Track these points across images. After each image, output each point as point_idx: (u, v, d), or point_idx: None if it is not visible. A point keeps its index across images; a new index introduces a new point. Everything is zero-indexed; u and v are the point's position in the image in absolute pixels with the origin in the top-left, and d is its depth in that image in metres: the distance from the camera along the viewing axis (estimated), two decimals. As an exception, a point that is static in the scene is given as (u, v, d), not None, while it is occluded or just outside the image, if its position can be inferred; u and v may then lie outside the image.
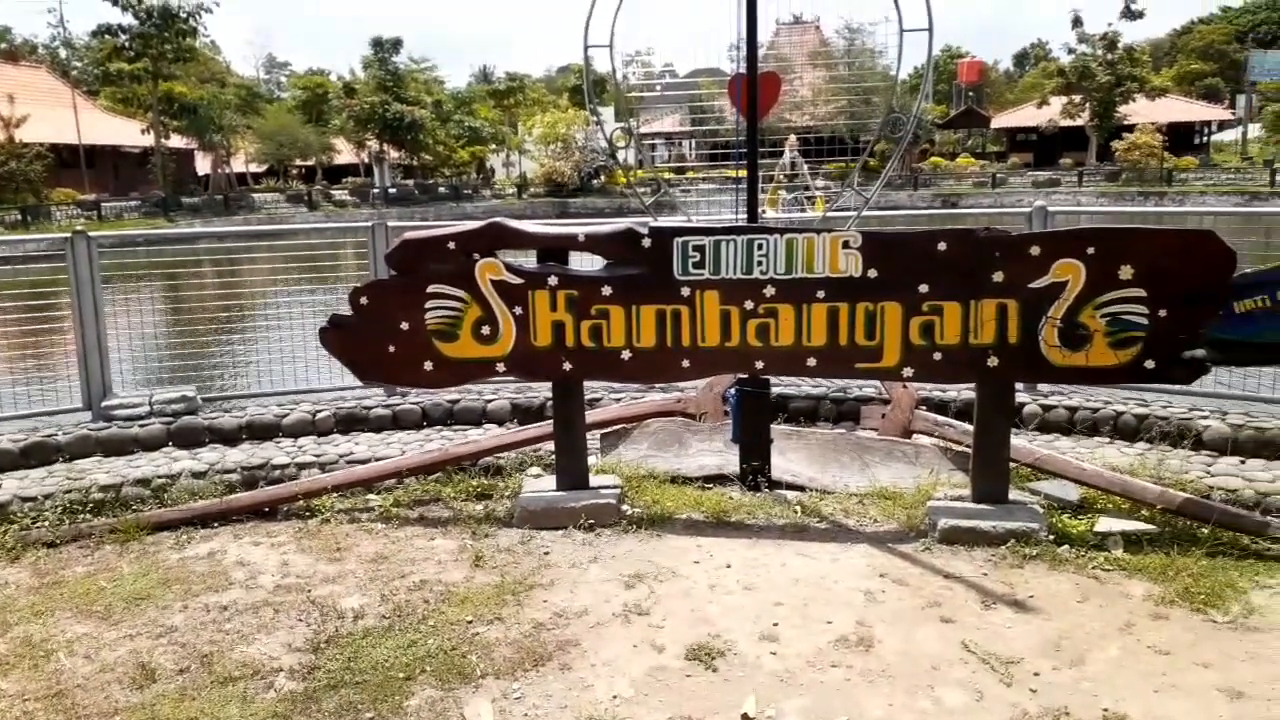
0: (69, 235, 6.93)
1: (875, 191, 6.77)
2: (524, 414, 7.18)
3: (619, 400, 7.03)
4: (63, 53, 71.57)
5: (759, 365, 5.01)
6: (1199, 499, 5.05)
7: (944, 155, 58.27)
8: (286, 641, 4.04)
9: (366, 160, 59.84)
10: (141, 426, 6.81)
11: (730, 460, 5.81)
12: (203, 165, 55.48)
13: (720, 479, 5.77)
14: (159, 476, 6.07)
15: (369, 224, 7.53)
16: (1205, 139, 60.31)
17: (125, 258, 8.86)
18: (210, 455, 6.53)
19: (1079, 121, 54.28)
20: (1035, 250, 4.65)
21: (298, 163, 60.79)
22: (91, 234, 7.04)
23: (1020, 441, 5.72)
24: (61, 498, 5.76)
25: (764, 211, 6.64)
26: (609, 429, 6.33)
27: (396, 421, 7.19)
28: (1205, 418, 6.30)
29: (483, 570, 4.67)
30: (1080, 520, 5.00)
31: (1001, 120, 63.52)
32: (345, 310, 5.17)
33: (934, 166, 54.66)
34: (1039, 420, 6.76)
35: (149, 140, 48.97)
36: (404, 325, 5.06)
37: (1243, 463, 5.90)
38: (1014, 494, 5.03)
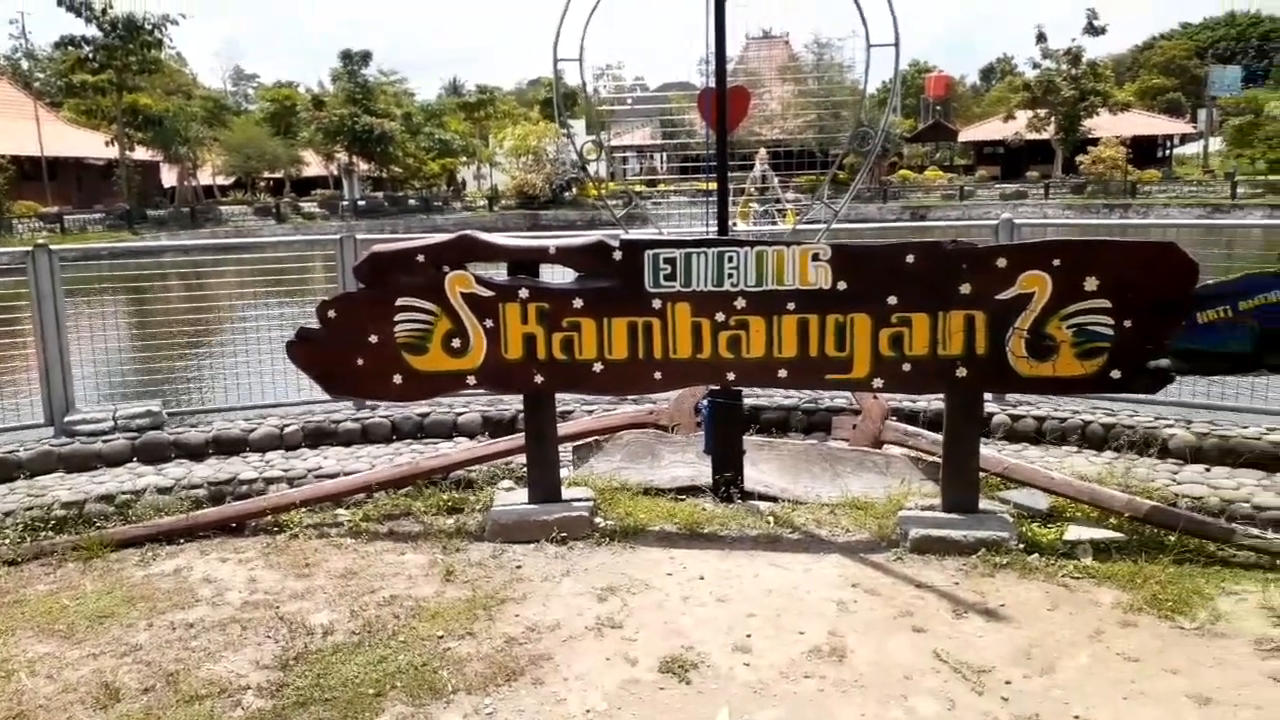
0: (30, 249, 6.83)
1: (844, 204, 6.83)
2: (495, 427, 7.16)
3: (591, 413, 7.02)
4: (25, 64, 70.73)
5: (730, 377, 5.03)
6: (1166, 507, 5.11)
7: (912, 168, 58.93)
8: (254, 659, 3.99)
9: (335, 173, 59.52)
10: (105, 442, 6.71)
11: (703, 472, 5.82)
12: (168, 178, 54.88)
13: (693, 490, 5.78)
14: (123, 493, 5.98)
15: (337, 236, 7.50)
16: (1168, 152, 61.43)
17: (89, 271, 8.74)
18: (176, 471, 6.45)
19: (1045, 135, 55.10)
20: (1002, 262, 4.70)
21: (265, 175, 60.35)
22: (54, 247, 6.95)
23: (989, 451, 5.78)
24: (23, 515, 5.66)
25: (734, 224, 6.68)
26: (581, 441, 6.32)
27: (365, 435, 7.14)
28: (1171, 426, 6.40)
29: (454, 585, 4.64)
30: (1049, 529, 5.05)
31: (969, 134, 64.36)
32: (313, 323, 5.14)
33: (902, 179, 55.24)
34: (1007, 430, 6.84)
35: (113, 152, 48.41)
36: (373, 338, 5.03)
37: (1208, 470, 6.00)
38: (984, 503, 5.06)
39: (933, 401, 6.66)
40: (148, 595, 4.65)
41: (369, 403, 7.27)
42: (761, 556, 4.88)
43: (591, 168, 6.92)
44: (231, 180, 60.19)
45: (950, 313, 4.74)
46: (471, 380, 5.09)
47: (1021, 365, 4.75)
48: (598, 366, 4.99)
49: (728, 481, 5.67)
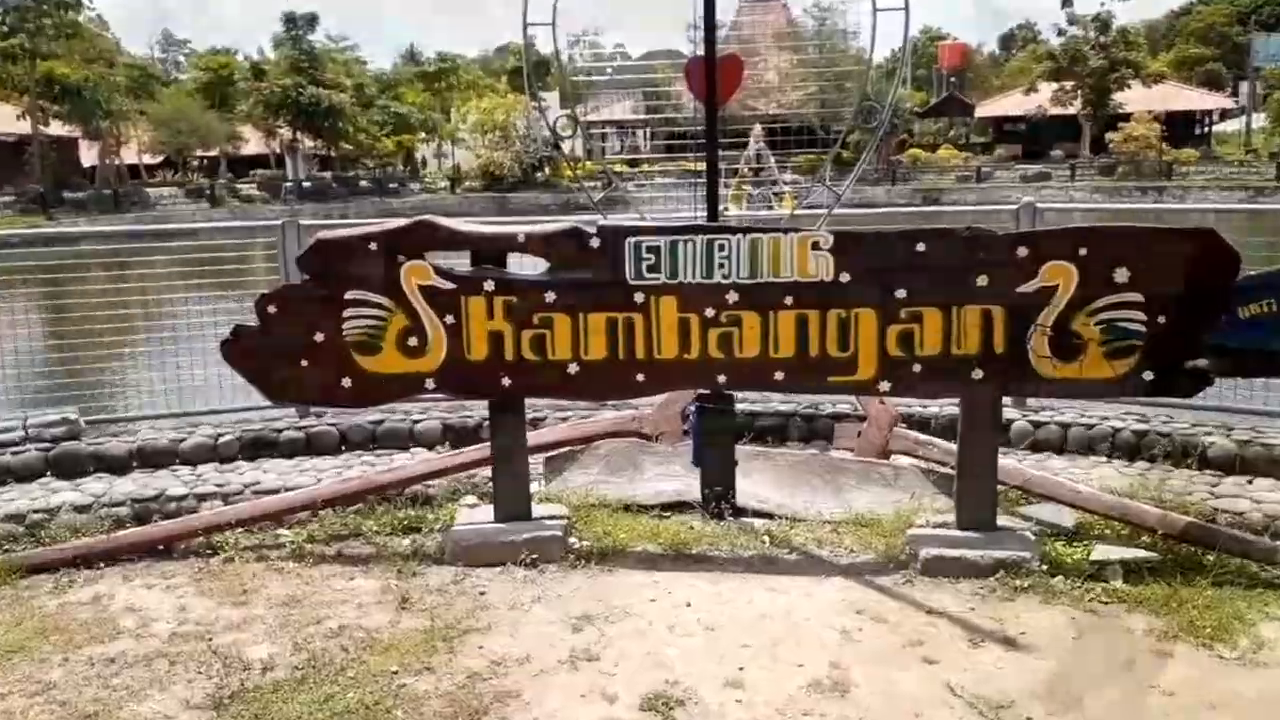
0: (-70, 235, 6.77)
1: (848, 187, 6.86)
2: (457, 436, 7.14)
3: (565, 420, 7.02)
4: (-76, 27, 70.03)
5: (721, 379, 5.03)
6: (1203, 523, 5.16)
7: (924, 147, 59.23)
8: (184, 697, 3.96)
9: (278, 150, 59.23)
10: (14, 454, 6.65)
11: (690, 485, 5.83)
12: (89, 156, 54.43)
13: (679, 506, 5.78)
14: (35, 511, 5.93)
15: (279, 222, 7.46)
16: (1206, 129, 62.00)
17: (-4, 261, 8.66)
18: (95, 486, 6.40)
19: (1071, 110, 55.50)
20: (1023, 251, 4.73)
21: (199, 153, 59.97)
22: (-44, 233, 6.88)
23: (1009, 462, 5.81)
24: (-80, 537, 5.60)
25: (726, 209, 6.69)
26: (554, 452, 6.31)
27: (310, 446, 7.11)
28: (1209, 434, 6.45)
29: (410, 613, 4.63)
30: (1075, 548, 5.09)
31: (986, 108, 64.75)
32: (251, 320, 5.11)
33: (913, 159, 55.52)
34: (1029, 438, 6.88)
35: (25, 127, 47.96)
36: (318, 336, 5.01)
37: (1250, 483, 6.04)
38: (1003, 520, 5.10)
39: (945, 407, 6.69)
40: (63, 627, 4.61)
41: (314, 409, 7.24)
42: (756, 580, 4.89)
43: (566, 145, 6.91)
44: (160, 159, 59.77)
45: (965, 307, 4.77)
46: (430, 384, 5.07)
47: (1044, 366, 4.78)
48: (573, 368, 4.99)
49: (718, 496, 5.67)
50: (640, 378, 5.02)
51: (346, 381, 5.06)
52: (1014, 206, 7.35)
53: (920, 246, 4.79)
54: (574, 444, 6.37)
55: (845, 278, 4.81)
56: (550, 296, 4.95)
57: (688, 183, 6.41)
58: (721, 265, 4.86)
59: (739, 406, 6.43)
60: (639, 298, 4.92)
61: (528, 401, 5.41)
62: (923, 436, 6.30)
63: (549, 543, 5.15)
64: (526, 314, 4.97)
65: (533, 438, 5.90)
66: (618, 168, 8.43)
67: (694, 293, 4.89)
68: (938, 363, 4.83)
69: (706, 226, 5.19)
